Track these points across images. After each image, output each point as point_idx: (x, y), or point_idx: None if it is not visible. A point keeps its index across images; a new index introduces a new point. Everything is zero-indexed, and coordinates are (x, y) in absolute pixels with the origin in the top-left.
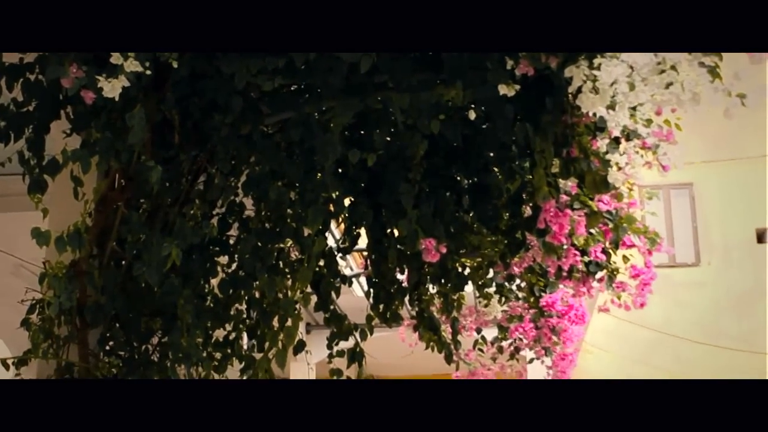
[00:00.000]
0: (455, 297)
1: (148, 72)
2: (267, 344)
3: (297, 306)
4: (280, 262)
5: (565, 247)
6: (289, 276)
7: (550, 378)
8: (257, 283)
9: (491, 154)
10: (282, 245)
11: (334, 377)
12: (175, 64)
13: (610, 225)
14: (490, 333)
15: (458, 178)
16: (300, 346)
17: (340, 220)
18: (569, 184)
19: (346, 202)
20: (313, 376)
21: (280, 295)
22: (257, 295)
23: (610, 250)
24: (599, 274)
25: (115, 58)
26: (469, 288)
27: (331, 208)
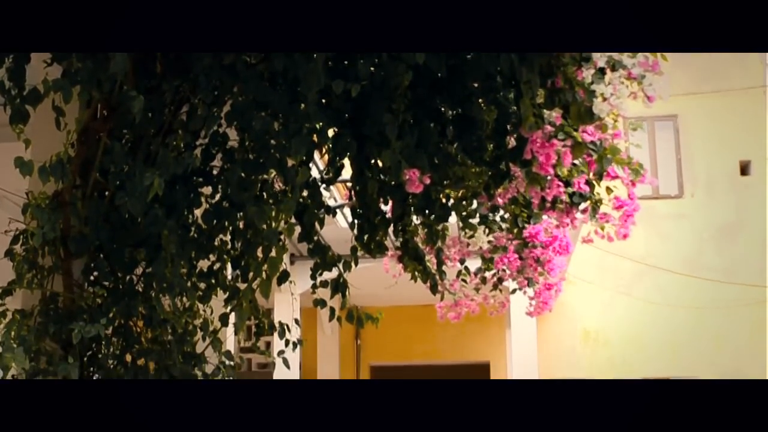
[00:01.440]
0: (439, 228)
1: None
2: (251, 275)
3: (281, 237)
4: (264, 193)
5: (549, 178)
6: (273, 207)
7: (532, 309)
8: (241, 213)
9: (476, 85)
10: (266, 176)
11: (318, 307)
12: None
13: (595, 156)
14: (474, 264)
15: (442, 109)
16: (284, 277)
17: (324, 150)
18: (554, 115)
19: (330, 132)
20: (297, 307)
21: (264, 226)
22: (241, 225)
23: (594, 182)
24: (583, 205)
25: None
26: (453, 219)
27: (315, 139)
